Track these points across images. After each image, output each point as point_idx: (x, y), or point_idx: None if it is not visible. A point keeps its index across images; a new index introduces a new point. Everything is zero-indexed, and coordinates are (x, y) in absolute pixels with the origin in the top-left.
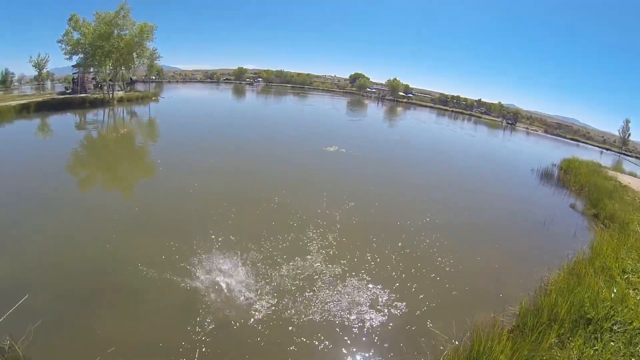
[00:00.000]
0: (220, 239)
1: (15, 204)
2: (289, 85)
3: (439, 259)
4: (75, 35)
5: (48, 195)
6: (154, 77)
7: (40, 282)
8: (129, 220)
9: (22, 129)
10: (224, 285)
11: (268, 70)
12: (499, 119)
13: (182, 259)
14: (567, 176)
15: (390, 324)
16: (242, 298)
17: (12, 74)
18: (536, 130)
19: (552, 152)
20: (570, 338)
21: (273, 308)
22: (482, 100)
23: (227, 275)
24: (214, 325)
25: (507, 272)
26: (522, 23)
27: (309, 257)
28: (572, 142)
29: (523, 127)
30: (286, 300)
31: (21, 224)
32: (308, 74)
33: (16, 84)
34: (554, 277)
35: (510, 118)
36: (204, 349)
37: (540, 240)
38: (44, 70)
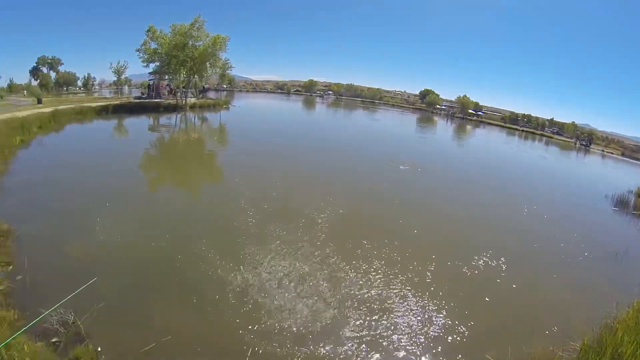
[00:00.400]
0: (276, 239)
1: (93, 194)
2: (358, 99)
3: (499, 282)
4: (153, 45)
5: (121, 189)
6: (225, 86)
7: (109, 267)
8: (196, 219)
9: (101, 128)
10: (286, 289)
11: (338, 83)
12: (572, 140)
13: (244, 260)
14: None
15: (442, 346)
16: (299, 302)
17: (94, 78)
18: (612, 153)
19: (630, 177)
20: None
21: (326, 316)
22: (554, 119)
23: (286, 277)
24: (271, 330)
25: (570, 303)
26: (597, 42)
27: (371, 270)
28: None
29: (598, 150)
30: (343, 312)
31: (97, 213)
32: (378, 89)
33: (96, 87)
34: (623, 314)
35: (584, 139)
36: (257, 349)
37: (610, 273)
38: (123, 76)
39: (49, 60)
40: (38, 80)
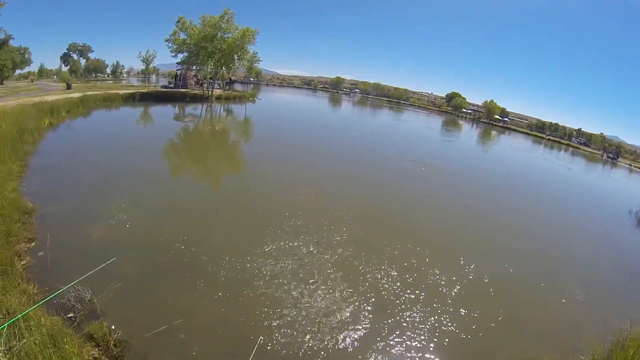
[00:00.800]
0: (294, 233)
1: (116, 177)
2: (384, 98)
3: (511, 288)
4: (182, 36)
5: (145, 174)
6: (252, 79)
7: (129, 249)
8: (216, 208)
9: (127, 115)
10: (296, 283)
11: (365, 82)
12: (599, 152)
13: (261, 251)
14: None
15: (448, 349)
16: (311, 296)
17: (122, 66)
18: None
19: None
20: None
21: (340, 313)
22: (582, 130)
23: (296, 273)
24: (281, 319)
25: (583, 316)
26: (632, 54)
27: (387, 268)
28: None
29: (626, 163)
30: (356, 307)
31: (120, 196)
32: (405, 90)
33: (125, 75)
34: (636, 331)
35: (611, 152)
36: (267, 340)
37: (626, 289)
38: (151, 65)
39: (80, 47)
40: (68, 66)
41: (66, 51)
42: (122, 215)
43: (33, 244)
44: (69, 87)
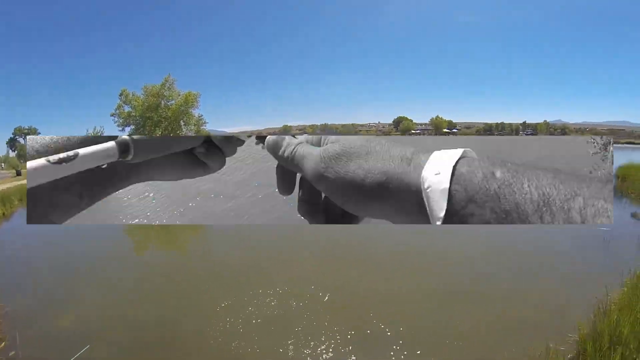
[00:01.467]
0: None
1: (79, 262)
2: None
3: (486, 284)
4: (126, 108)
5: (108, 254)
6: None
7: (100, 333)
8: (179, 280)
9: None
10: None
11: (313, 124)
12: None
13: (229, 310)
14: (624, 184)
15: (429, 348)
16: None
17: None
18: None
19: None
20: (637, 358)
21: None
22: (526, 122)
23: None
24: None
25: (564, 297)
26: (557, 38)
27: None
28: (628, 145)
29: None
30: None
31: (85, 281)
32: (352, 124)
33: None
34: (616, 296)
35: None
36: None
37: (600, 259)
38: None
39: (26, 131)
40: (16, 152)
41: (12, 136)
42: (88, 300)
43: (2, 344)
44: (18, 173)
